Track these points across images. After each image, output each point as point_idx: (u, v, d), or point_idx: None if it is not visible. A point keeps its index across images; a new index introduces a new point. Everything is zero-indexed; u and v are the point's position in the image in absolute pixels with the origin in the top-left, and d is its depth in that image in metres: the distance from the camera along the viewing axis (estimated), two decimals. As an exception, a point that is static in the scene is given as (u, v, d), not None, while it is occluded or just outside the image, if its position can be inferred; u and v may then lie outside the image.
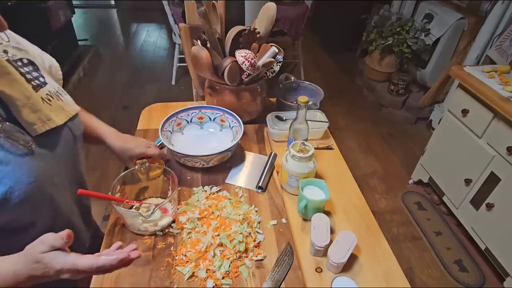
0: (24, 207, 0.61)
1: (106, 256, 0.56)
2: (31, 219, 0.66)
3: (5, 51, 0.66)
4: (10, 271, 0.54)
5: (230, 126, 1.13)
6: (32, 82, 0.67)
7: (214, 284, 0.73)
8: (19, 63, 0.68)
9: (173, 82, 3.28)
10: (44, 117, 0.66)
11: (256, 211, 0.91)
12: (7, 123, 0.60)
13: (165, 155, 1.04)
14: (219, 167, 1.04)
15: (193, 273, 0.75)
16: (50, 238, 0.54)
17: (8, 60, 0.65)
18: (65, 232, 0.56)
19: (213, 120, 1.15)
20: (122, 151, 0.92)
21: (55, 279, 0.55)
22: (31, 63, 0.71)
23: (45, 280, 0.55)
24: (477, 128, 1.65)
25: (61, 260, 0.53)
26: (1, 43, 0.66)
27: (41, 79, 0.70)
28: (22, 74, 0.65)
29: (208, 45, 1.07)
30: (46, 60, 0.78)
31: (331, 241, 0.79)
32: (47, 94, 0.69)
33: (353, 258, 0.81)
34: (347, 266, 0.79)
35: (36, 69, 0.71)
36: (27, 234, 0.65)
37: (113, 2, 5.24)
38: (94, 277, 0.74)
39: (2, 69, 0.61)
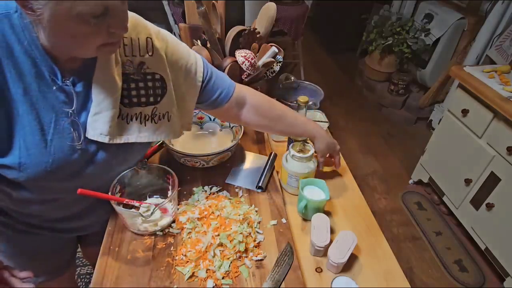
0: (36, 184, 0.66)
1: None
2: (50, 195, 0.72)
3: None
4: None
5: (230, 126, 1.13)
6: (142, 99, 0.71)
7: (214, 284, 0.73)
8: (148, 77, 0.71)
9: (173, 82, 3.28)
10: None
11: (256, 211, 0.91)
12: (77, 116, 0.65)
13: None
14: (219, 167, 1.03)
15: (193, 273, 0.75)
16: None
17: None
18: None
19: (213, 120, 1.15)
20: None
21: None
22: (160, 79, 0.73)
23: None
24: (477, 128, 1.65)
25: None
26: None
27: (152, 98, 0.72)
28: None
29: (208, 45, 1.07)
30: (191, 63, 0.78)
31: (331, 241, 0.79)
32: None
33: (353, 258, 0.81)
34: (347, 266, 0.79)
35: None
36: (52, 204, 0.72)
37: (113, 2, 5.24)
38: (94, 277, 0.74)
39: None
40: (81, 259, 1.67)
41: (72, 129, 0.64)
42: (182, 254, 0.78)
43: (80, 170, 0.69)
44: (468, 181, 1.71)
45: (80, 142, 0.66)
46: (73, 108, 0.64)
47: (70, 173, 0.68)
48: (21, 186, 0.67)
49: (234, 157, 1.08)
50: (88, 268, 1.65)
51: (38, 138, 0.61)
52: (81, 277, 1.62)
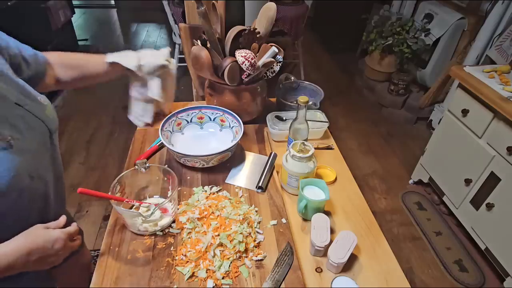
0: (7, 199, 0.63)
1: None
2: (22, 210, 0.69)
3: None
4: (10, 247, 0.59)
5: (230, 126, 1.13)
6: None
7: (214, 284, 0.73)
8: None
9: (173, 82, 3.28)
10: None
11: (256, 211, 0.91)
12: None
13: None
14: (219, 167, 1.04)
15: (193, 273, 0.75)
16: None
17: None
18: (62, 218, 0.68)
19: (213, 120, 1.15)
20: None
21: (50, 253, 0.63)
22: None
23: (43, 254, 0.62)
24: (477, 128, 1.65)
25: (57, 231, 0.66)
26: None
27: None
28: None
29: (208, 45, 1.07)
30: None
31: (331, 241, 0.79)
32: None
33: (353, 258, 0.81)
34: (347, 266, 0.79)
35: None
36: (21, 226, 0.65)
37: (113, 2, 5.24)
38: (94, 277, 0.74)
39: None
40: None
41: None
42: (182, 254, 0.78)
43: (32, 166, 0.68)
44: (468, 181, 1.71)
45: (8, 140, 0.63)
46: None
47: (27, 171, 0.66)
48: None
49: (234, 157, 1.08)
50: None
51: None
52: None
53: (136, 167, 0.87)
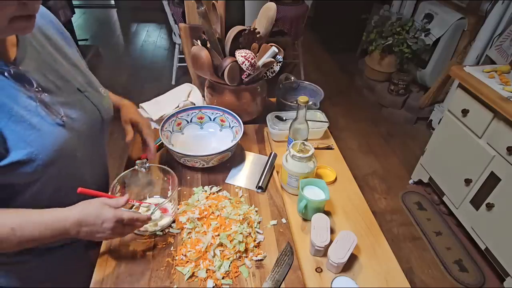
0: (47, 172, 0.66)
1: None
2: (55, 186, 0.71)
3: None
4: (69, 213, 0.64)
5: (230, 126, 1.13)
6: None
7: (214, 284, 0.73)
8: None
9: (173, 82, 3.27)
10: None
11: (256, 211, 0.91)
12: (45, 94, 0.66)
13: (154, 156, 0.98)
14: (219, 167, 1.03)
15: (193, 273, 0.75)
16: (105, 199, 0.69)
17: None
18: (123, 198, 0.70)
19: (213, 120, 1.15)
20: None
21: (98, 230, 0.66)
22: None
23: (93, 229, 0.65)
24: (477, 128, 1.65)
25: (111, 212, 0.66)
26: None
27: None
28: None
29: (208, 45, 1.07)
30: None
31: (331, 241, 0.79)
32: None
33: (353, 258, 0.81)
34: (347, 266, 0.79)
35: None
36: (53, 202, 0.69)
37: (113, 2, 5.24)
38: (94, 277, 0.74)
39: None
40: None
41: (45, 108, 0.65)
42: (182, 254, 0.78)
43: (78, 147, 0.72)
44: (468, 181, 1.71)
45: (61, 117, 0.67)
46: (34, 87, 0.64)
47: (71, 150, 0.70)
48: (32, 184, 0.67)
49: (234, 157, 1.08)
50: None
51: (25, 125, 0.61)
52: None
53: (136, 167, 0.87)
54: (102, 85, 0.86)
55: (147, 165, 0.88)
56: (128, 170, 0.86)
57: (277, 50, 1.09)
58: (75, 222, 0.64)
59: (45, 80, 0.67)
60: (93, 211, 0.66)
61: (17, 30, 0.57)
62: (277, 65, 1.16)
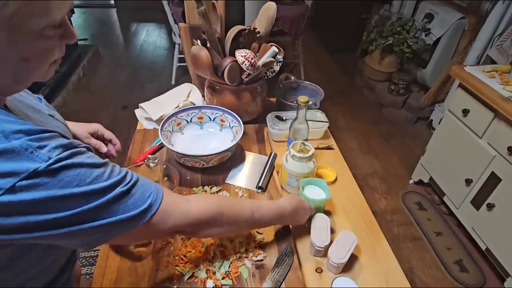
0: None
1: None
2: None
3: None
4: (274, 205, 0.77)
5: (230, 126, 1.12)
6: None
7: (214, 284, 0.73)
8: None
9: (173, 82, 3.27)
10: None
11: (256, 211, 0.90)
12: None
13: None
14: (219, 167, 1.03)
15: (193, 273, 0.75)
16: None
17: None
18: None
19: (213, 120, 1.15)
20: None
21: (303, 217, 0.83)
22: None
23: (302, 213, 0.82)
24: (478, 128, 1.64)
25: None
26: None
27: None
28: None
29: (208, 45, 1.07)
30: None
31: (331, 241, 0.79)
32: None
33: (353, 258, 0.81)
34: (347, 266, 0.79)
35: None
36: None
37: (112, 2, 5.23)
38: (94, 277, 0.74)
39: None
40: (81, 260, 1.67)
41: None
42: (182, 254, 0.78)
43: None
44: (468, 181, 1.71)
45: None
46: None
47: None
48: None
49: (234, 157, 1.07)
50: (88, 268, 1.65)
51: None
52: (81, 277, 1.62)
53: (146, 161, 0.89)
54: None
55: (157, 160, 0.90)
56: (130, 167, 0.87)
57: (277, 50, 1.09)
58: (296, 207, 0.79)
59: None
60: (304, 202, 0.83)
61: (51, 74, 0.54)
62: (277, 65, 1.16)
